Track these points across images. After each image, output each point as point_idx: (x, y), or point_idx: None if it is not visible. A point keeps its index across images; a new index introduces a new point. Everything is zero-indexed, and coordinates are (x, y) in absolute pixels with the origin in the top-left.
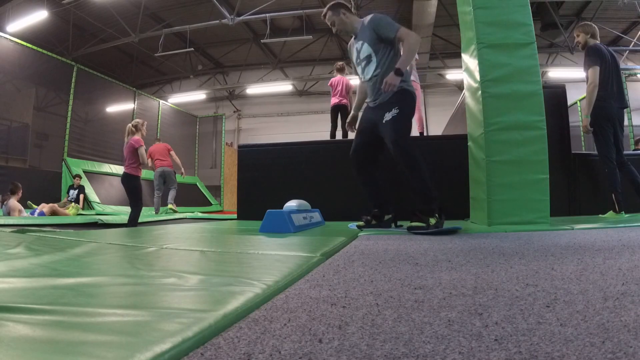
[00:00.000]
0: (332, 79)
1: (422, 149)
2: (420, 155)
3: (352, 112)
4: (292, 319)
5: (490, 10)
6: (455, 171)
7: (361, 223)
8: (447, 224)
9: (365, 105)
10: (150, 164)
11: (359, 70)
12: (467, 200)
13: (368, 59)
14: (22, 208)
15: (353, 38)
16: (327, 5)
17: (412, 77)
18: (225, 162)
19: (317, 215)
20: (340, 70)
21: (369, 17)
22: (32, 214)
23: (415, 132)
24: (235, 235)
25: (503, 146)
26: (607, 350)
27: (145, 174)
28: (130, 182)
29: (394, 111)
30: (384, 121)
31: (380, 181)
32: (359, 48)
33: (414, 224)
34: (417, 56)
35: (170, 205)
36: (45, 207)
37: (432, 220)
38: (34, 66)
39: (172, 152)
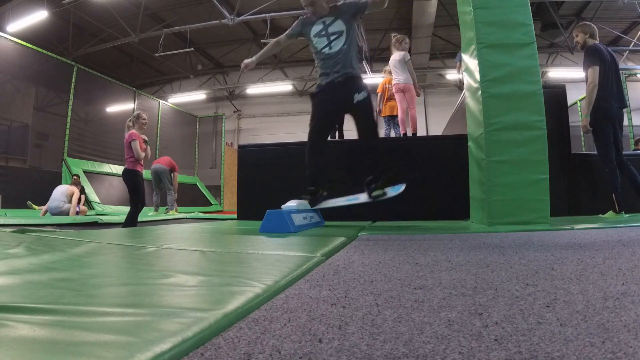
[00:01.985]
0: None
1: (422, 149)
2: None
3: (253, 58)
4: (292, 319)
5: (490, 10)
6: (455, 171)
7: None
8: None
9: (323, 84)
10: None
11: (320, 42)
12: (467, 200)
13: (339, 34)
14: (77, 192)
15: (313, 14)
16: None
17: (404, 76)
18: (225, 162)
19: (316, 215)
20: None
21: (341, 1)
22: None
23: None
24: (235, 235)
25: (503, 146)
26: (607, 350)
27: (144, 174)
28: (130, 178)
29: (364, 93)
30: (355, 101)
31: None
32: (327, 22)
33: (375, 193)
34: (408, 55)
35: (171, 212)
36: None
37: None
38: (34, 66)
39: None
